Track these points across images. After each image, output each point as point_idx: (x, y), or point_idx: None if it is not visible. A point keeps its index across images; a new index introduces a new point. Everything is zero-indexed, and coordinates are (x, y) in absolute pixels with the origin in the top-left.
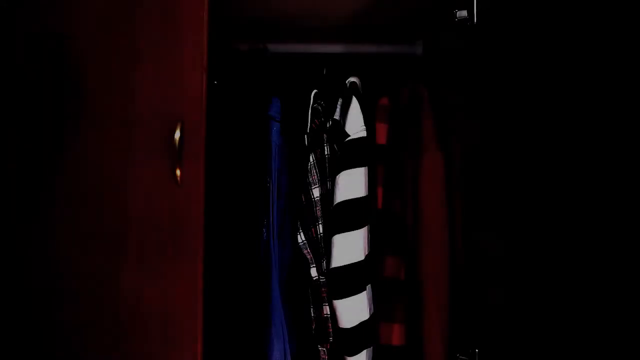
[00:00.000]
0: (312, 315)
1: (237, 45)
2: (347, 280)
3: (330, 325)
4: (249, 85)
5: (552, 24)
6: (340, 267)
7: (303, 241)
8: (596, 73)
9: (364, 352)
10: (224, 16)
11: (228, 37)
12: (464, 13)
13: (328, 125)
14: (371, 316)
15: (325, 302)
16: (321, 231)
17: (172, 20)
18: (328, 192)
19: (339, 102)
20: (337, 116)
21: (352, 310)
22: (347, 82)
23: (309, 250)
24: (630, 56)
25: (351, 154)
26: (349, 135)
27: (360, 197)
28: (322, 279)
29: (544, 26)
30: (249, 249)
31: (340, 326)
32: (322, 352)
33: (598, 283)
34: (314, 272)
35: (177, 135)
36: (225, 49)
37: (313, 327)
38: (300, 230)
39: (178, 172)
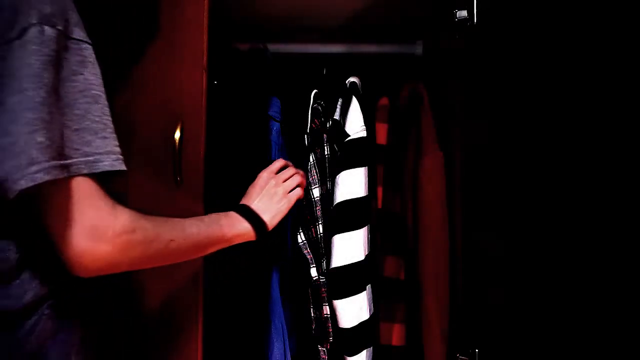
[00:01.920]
0: (312, 315)
1: (237, 45)
2: (347, 281)
3: (330, 325)
4: (249, 85)
5: (552, 24)
6: (340, 267)
7: (303, 241)
8: (596, 73)
9: (364, 352)
10: (224, 16)
11: (228, 37)
12: (464, 13)
13: (328, 125)
14: (371, 316)
15: (325, 302)
16: (321, 231)
17: (172, 21)
18: (328, 192)
19: (339, 102)
20: (337, 116)
21: (352, 310)
22: (347, 82)
23: (309, 250)
24: (630, 55)
25: (351, 154)
26: (349, 135)
27: (361, 197)
28: (322, 279)
29: (544, 26)
30: (248, 249)
31: (340, 326)
32: (322, 352)
33: (598, 283)
34: (314, 272)
35: (177, 135)
36: (225, 49)
37: (313, 327)
38: (300, 230)
39: (178, 171)
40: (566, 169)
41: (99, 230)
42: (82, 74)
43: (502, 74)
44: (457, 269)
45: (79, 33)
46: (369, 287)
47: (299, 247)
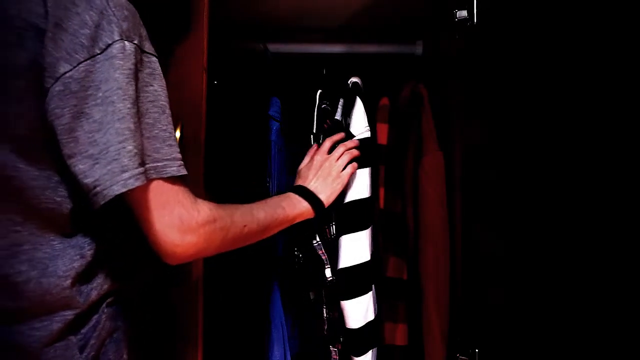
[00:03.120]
0: (325, 315)
1: (237, 45)
2: (356, 281)
3: None
4: (249, 85)
5: (553, 24)
6: (349, 267)
7: (318, 242)
8: (596, 72)
9: (370, 352)
10: (224, 16)
11: (228, 37)
12: (464, 13)
13: (328, 126)
14: (376, 316)
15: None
16: (334, 232)
17: (172, 21)
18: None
19: (340, 102)
20: (338, 116)
21: (360, 310)
22: (349, 82)
23: (324, 251)
24: (631, 55)
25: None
26: (354, 136)
27: (366, 198)
28: (335, 279)
29: (544, 25)
30: (249, 249)
31: (348, 327)
32: (333, 353)
33: (598, 283)
34: (328, 272)
35: (177, 135)
36: (225, 49)
37: (325, 327)
38: (315, 231)
39: None
40: (566, 169)
41: (185, 223)
42: (152, 86)
43: (502, 74)
44: (457, 269)
45: (149, 47)
46: (373, 287)
47: (314, 247)
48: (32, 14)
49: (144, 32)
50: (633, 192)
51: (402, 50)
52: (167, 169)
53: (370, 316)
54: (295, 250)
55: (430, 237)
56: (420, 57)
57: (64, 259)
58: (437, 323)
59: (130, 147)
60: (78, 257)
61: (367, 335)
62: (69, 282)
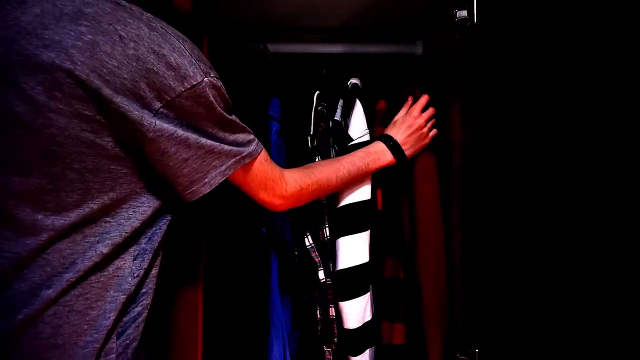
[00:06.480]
0: (319, 316)
1: (237, 45)
2: (354, 282)
3: (335, 326)
4: (249, 85)
5: (553, 23)
6: (347, 269)
7: (311, 244)
8: (597, 71)
9: (367, 351)
10: (224, 16)
11: (228, 37)
12: (464, 13)
13: (330, 127)
14: (373, 316)
15: (332, 304)
16: (328, 234)
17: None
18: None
19: (340, 103)
20: (337, 117)
21: (358, 311)
22: (348, 83)
23: (317, 253)
24: (632, 55)
25: None
26: (352, 139)
27: (365, 200)
28: (329, 281)
29: (544, 25)
30: (248, 248)
31: (346, 327)
32: (327, 353)
33: (598, 283)
34: (321, 274)
35: None
36: (225, 48)
37: (319, 328)
38: (308, 233)
39: None
40: (568, 169)
41: (277, 193)
42: (229, 100)
43: (502, 73)
44: (456, 268)
45: (216, 72)
46: (371, 287)
47: (307, 250)
48: (113, 57)
49: (208, 61)
50: (632, 191)
51: (402, 50)
52: (254, 153)
53: (368, 317)
54: (296, 251)
55: (426, 235)
56: (420, 57)
57: (134, 239)
58: (437, 322)
59: (213, 173)
60: (146, 239)
61: (363, 336)
62: (129, 258)
